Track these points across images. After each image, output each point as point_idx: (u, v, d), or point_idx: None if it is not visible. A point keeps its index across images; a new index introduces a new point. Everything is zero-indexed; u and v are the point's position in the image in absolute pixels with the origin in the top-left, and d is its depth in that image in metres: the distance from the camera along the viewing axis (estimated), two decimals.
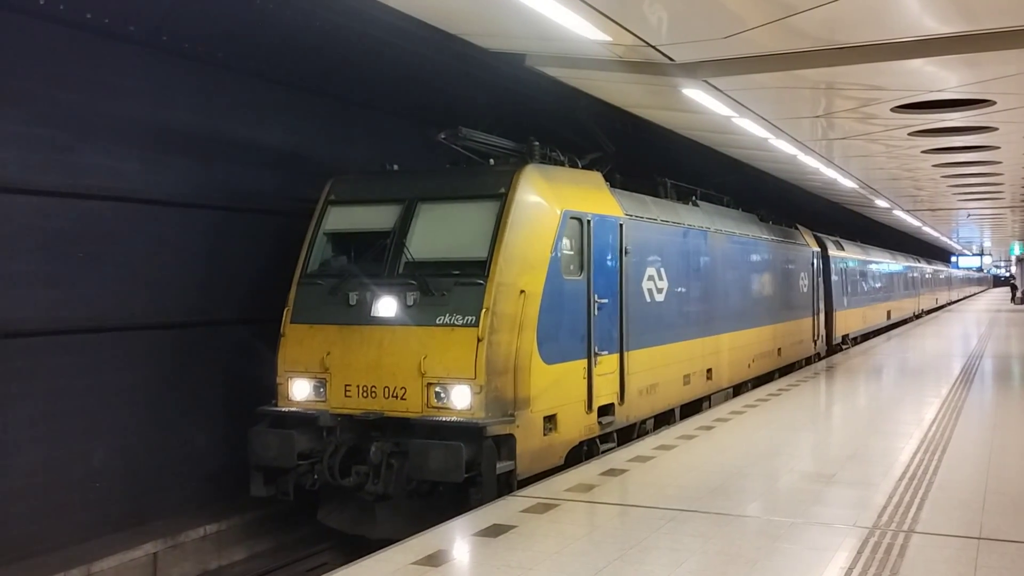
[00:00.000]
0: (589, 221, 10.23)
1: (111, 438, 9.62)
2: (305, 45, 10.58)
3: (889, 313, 34.50)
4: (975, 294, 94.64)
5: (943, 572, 6.08)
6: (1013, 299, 63.61)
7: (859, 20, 8.17)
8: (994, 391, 16.07)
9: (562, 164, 10.97)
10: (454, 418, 8.71)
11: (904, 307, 39.37)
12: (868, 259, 30.55)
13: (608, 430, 10.63)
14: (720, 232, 14.97)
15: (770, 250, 18.04)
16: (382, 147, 12.42)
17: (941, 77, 10.28)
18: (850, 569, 6.11)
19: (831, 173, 19.22)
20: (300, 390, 9.49)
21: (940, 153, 16.13)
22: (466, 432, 8.51)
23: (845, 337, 25.61)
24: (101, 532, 9.38)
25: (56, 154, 9.16)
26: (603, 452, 10.36)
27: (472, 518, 7.53)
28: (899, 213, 31.55)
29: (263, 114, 11.57)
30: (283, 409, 9.49)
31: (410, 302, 9.12)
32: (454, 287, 9.03)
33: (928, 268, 53.21)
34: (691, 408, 13.49)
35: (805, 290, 20.86)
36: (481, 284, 8.94)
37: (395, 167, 10.51)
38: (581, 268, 10.12)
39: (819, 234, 23.76)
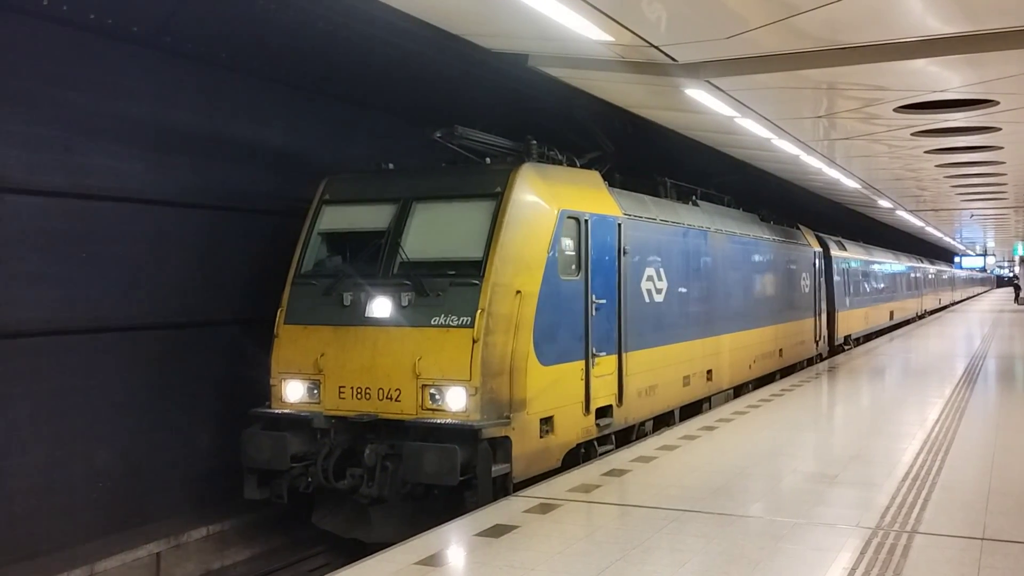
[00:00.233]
0: (587, 221, 10.11)
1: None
2: (306, 46, 10.53)
3: (892, 313, 34.36)
4: (978, 294, 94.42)
5: (946, 573, 6.06)
6: (1016, 299, 63.45)
7: (862, 20, 8.11)
8: (997, 392, 16.01)
9: (560, 163, 10.86)
10: (449, 420, 8.61)
11: (907, 307, 39.23)
12: (871, 259, 30.43)
13: (606, 432, 10.52)
14: (720, 232, 14.85)
15: (771, 250, 17.92)
16: (383, 147, 12.33)
17: (944, 77, 10.22)
18: (853, 569, 6.09)
19: (834, 173, 19.13)
20: (294, 392, 9.38)
21: (943, 153, 16.04)
22: (461, 434, 8.41)
23: (847, 338, 25.49)
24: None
25: (55, 153, 9.10)
26: (601, 454, 10.25)
27: (474, 518, 7.49)
28: (902, 214, 31.44)
29: (264, 114, 11.53)
30: (276, 411, 9.38)
31: (405, 303, 9.01)
32: (449, 287, 8.92)
33: (931, 268, 53.09)
34: (691, 410, 13.36)
35: (807, 290, 20.74)
36: (476, 284, 8.83)
37: (390, 166, 10.39)
38: (578, 268, 10.01)
39: (821, 234, 23.64)
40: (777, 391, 15.52)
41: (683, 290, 13.07)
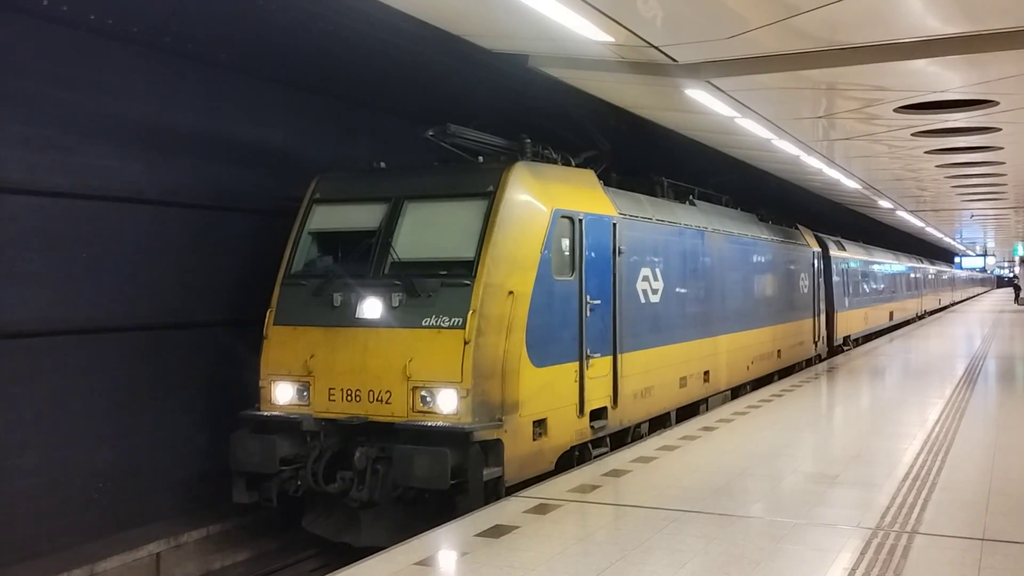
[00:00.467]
0: (581, 220, 9.98)
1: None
2: (307, 45, 10.48)
3: (892, 314, 34.25)
4: (979, 295, 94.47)
5: (946, 573, 6.06)
6: (1016, 299, 63.41)
7: (862, 21, 8.07)
8: (998, 392, 15.98)
9: (555, 162, 10.73)
10: (440, 423, 8.48)
11: (907, 308, 39.12)
12: (870, 259, 30.31)
13: (601, 434, 10.39)
14: (718, 232, 14.72)
15: (770, 250, 17.79)
16: (384, 147, 12.23)
17: (944, 78, 10.18)
18: (853, 570, 6.08)
19: (834, 174, 19.07)
20: (283, 394, 9.26)
21: (943, 154, 15.98)
22: (452, 437, 8.28)
23: (847, 338, 25.38)
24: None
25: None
26: (595, 457, 10.12)
27: (474, 519, 7.46)
28: (902, 214, 31.37)
29: (265, 115, 11.47)
30: (265, 413, 9.25)
31: (395, 303, 8.89)
32: (440, 288, 8.80)
33: (931, 269, 53.00)
34: (688, 411, 13.23)
35: (806, 291, 20.61)
36: (468, 285, 8.70)
37: (382, 164, 10.26)
38: (572, 268, 9.88)
39: (820, 234, 23.53)
40: (777, 391, 15.47)
41: (679, 290, 12.94)
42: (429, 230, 9.31)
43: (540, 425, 9.18)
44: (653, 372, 11.80)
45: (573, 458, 9.86)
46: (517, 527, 7.14)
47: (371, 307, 8.97)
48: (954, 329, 35.23)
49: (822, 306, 22.24)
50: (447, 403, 8.54)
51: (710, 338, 14.10)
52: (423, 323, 8.74)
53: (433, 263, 9.05)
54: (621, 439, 11.05)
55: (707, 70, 9.68)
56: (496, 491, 8.48)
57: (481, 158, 10.02)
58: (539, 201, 9.47)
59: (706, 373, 13.90)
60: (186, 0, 9.41)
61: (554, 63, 9.96)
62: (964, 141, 14.64)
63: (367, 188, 9.89)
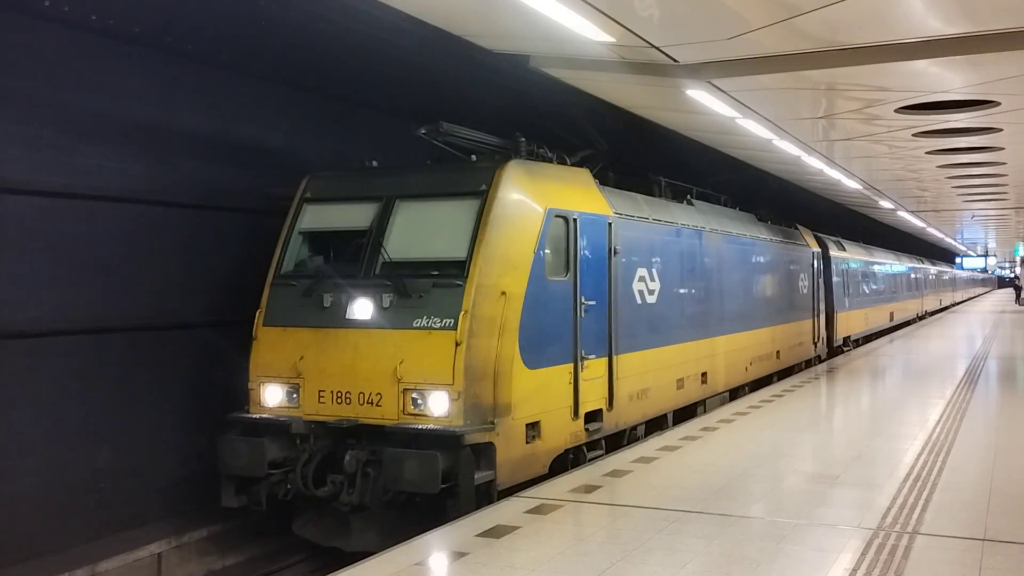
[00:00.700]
0: (575, 219, 9.84)
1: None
2: (308, 46, 10.43)
3: (892, 315, 34.10)
4: (980, 295, 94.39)
5: (947, 574, 6.07)
6: (1017, 300, 63.32)
7: (863, 21, 8.07)
8: (999, 392, 15.96)
9: (550, 161, 10.60)
10: (431, 426, 8.34)
11: (907, 308, 38.97)
12: (871, 260, 30.16)
13: (596, 437, 10.25)
14: (716, 232, 14.58)
15: (768, 250, 17.65)
16: (385, 147, 12.14)
17: (945, 78, 10.20)
18: (854, 571, 6.07)
19: (835, 174, 19.04)
20: (272, 396, 9.13)
21: (944, 154, 15.99)
22: (443, 440, 8.15)
23: (847, 339, 25.24)
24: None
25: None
26: (590, 460, 9.98)
27: (475, 519, 7.45)
28: (903, 214, 31.32)
29: (266, 115, 11.44)
30: (254, 416, 9.12)
31: (386, 304, 8.76)
32: (432, 288, 8.66)
33: (932, 269, 52.87)
34: (685, 413, 13.09)
35: (805, 291, 20.47)
36: (460, 285, 8.57)
37: (374, 163, 10.13)
38: (566, 268, 9.74)
39: (820, 234, 23.39)
40: (778, 392, 15.43)
41: (677, 291, 12.80)
42: (421, 230, 9.18)
43: (533, 428, 9.05)
44: (649, 374, 11.65)
45: (567, 461, 9.72)
46: (518, 527, 7.14)
47: (361, 308, 8.83)
48: (955, 330, 35.14)
49: (822, 307, 22.10)
50: (438, 405, 8.40)
51: (708, 339, 13.96)
52: (414, 324, 8.60)
53: (425, 263, 8.91)
54: (617, 442, 10.91)
55: (708, 70, 9.68)
56: (488, 495, 8.35)
57: (474, 156, 9.88)
58: (533, 200, 9.33)
59: (704, 374, 13.75)
60: (187, 0, 9.38)
61: (555, 63, 9.95)
62: (965, 141, 14.66)
63: (358, 187, 9.76)
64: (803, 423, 12.46)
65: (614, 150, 12.53)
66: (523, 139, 10.18)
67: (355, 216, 9.47)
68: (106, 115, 9.60)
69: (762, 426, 11.92)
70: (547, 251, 9.38)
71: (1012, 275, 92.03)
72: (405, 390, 8.52)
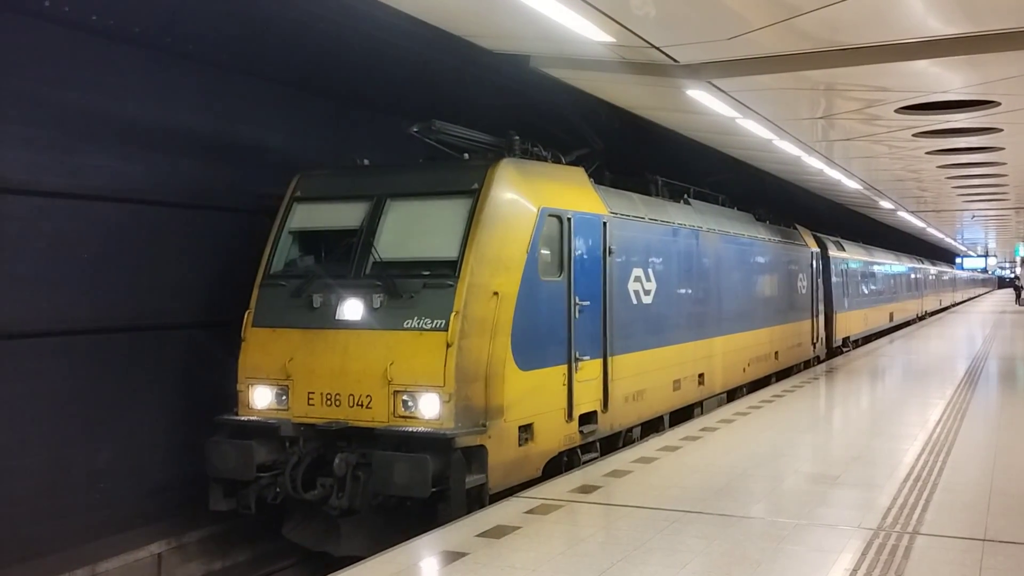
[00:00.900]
0: (569, 219, 9.71)
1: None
2: (308, 45, 10.38)
3: (892, 315, 33.98)
4: (980, 295, 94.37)
5: (948, 574, 6.08)
6: (1018, 300, 63.26)
7: (863, 21, 8.04)
8: (999, 392, 15.94)
9: (544, 160, 10.47)
10: (421, 428, 8.20)
11: (907, 309, 38.85)
12: (870, 260, 30.04)
13: (590, 439, 10.11)
14: (713, 231, 14.44)
15: (767, 250, 17.51)
16: (386, 147, 12.02)
17: (946, 78, 10.18)
18: (855, 571, 6.08)
19: (835, 174, 18.97)
20: (261, 398, 8.99)
21: (945, 154, 15.95)
22: (433, 443, 8.01)
23: (846, 339, 25.11)
24: None
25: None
26: (584, 462, 9.85)
27: (476, 519, 7.46)
28: (903, 214, 31.24)
29: (266, 115, 11.38)
30: (243, 418, 8.98)
31: (376, 304, 8.62)
32: (423, 289, 8.53)
33: (932, 269, 52.76)
34: (682, 415, 12.95)
35: (804, 291, 20.33)
36: (451, 286, 8.43)
37: (366, 161, 10.00)
38: (560, 268, 9.60)
39: (819, 234, 23.26)
40: (779, 392, 15.40)
41: (673, 291, 12.67)
42: (412, 229, 9.05)
43: (526, 430, 8.91)
44: (645, 375, 11.52)
45: (561, 464, 9.59)
46: (518, 527, 7.13)
47: (351, 308, 8.70)
48: (955, 330, 35.10)
49: (821, 307, 21.98)
50: (429, 408, 8.27)
51: (705, 340, 13.82)
52: (405, 325, 8.47)
53: (416, 263, 8.78)
54: (612, 444, 10.77)
55: (708, 71, 9.65)
56: (479, 499, 8.21)
57: (467, 155, 9.74)
58: (526, 199, 9.20)
59: (701, 376, 13.62)
60: (188, 1, 9.33)
61: (556, 64, 9.91)
62: (965, 142, 14.65)
63: (349, 186, 9.62)
64: (803, 423, 12.46)
65: (611, 149, 12.42)
66: (517, 137, 10.04)
67: (345, 215, 9.34)
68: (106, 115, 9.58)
69: (762, 426, 11.90)
70: (540, 251, 9.25)
71: (1012, 275, 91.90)
72: (396, 392, 8.38)
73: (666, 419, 12.38)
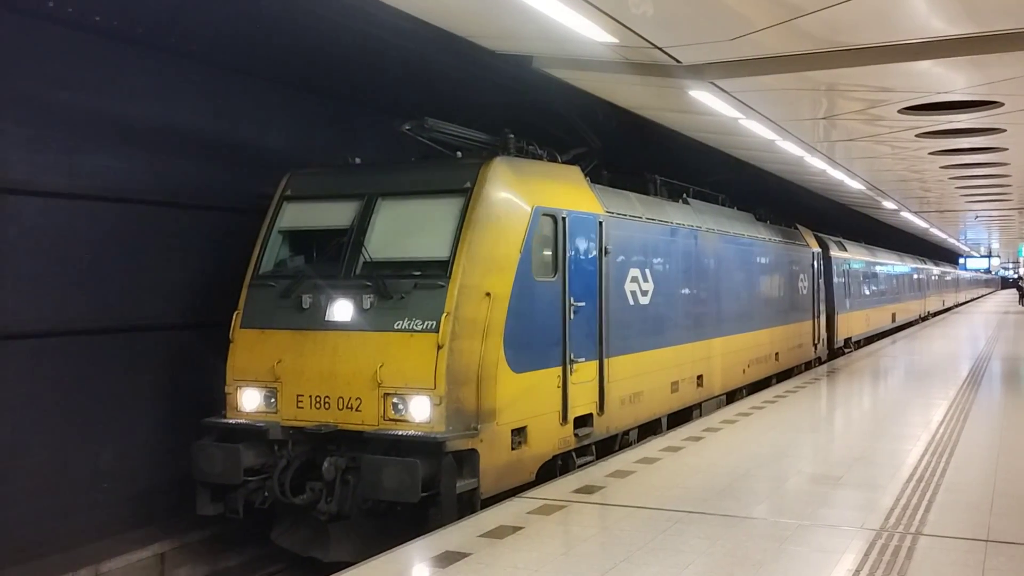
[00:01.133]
0: (564, 218, 9.54)
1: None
2: (309, 45, 10.29)
3: (894, 316, 33.80)
4: (983, 296, 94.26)
5: (950, 575, 6.08)
6: (1021, 300, 63.06)
7: (866, 22, 7.99)
8: (1002, 393, 15.89)
9: (540, 158, 10.30)
10: (412, 432, 8.03)
11: (910, 309, 38.67)
12: (872, 260, 29.85)
13: (586, 442, 9.95)
14: (712, 231, 14.27)
15: (767, 250, 17.34)
16: (387, 147, 11.88)
17: (949, 79, 10.14)
18: (857, 571, 6.09)
19: (838, 174, 18.88)
20: (250, 400, 8.83)
21: (948, 155, 15.88)
22: (424, 447, 7.85)
23: (848, 340, 24.93)
24: None
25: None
26: (580, 466, 9.68)
27: (478, 519, 7.46)
28: (906, 215, 31.12)
29: (267, 116, 11.34)
30: (231, 421, 8.82)
31: (367, 305, 8.46)
32: (414, 289, 8.36)
33: (935, 270, 52.58)
34: (680, 417, 12.78)
35: (805, 292, 20.15)
36: (442, 286, 8.27)
37: (357, 160, 9.83)
38: (555, 269, 9.44)
39: (820, 234, 23.08)
40: (781, 392, 15.36)
41: (671, 291, 12.50)
42: (403, 229, 8.89)
43: (519, 434, 8.76)
44: (642, 377, 11.35)
45: (556, 468, 9.42)
46: (521, 528, 7.13)
47: (341, 309, 8.54)
48: (958, 330, 34.98)
49: (822, 308, 21.80)
50: (420, 411, 8.11)
51: (704, 341, 13.66)
52: (395, 326, 8.31)
53: (407, 263, 8.61)
54: (608, 447, 10.61)
55: (711, 71, 9.60)
56: (471, 504, 8.06)
57: (460, 153, 9.58)
58: (519, 198, 9.03)
59: (699, 377, 13.45)
60: (189, 1, 9.27)
61: (558, 64, 9.85)
62: (968, 142, 14.60)
63: (340, 185, 9.46)
64: (805, 424, 12.43)
65: (611, 149, 12.28)
66: (511, 135, 9.88)
67: (336, 215, 9.18)
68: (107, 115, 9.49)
69: (764, 427, 11.85)
70: (534, 251, 9.09)
71: (1015, 276, 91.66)
72: (386, 395, 8.22)
73: (664, 422, 12.22)
